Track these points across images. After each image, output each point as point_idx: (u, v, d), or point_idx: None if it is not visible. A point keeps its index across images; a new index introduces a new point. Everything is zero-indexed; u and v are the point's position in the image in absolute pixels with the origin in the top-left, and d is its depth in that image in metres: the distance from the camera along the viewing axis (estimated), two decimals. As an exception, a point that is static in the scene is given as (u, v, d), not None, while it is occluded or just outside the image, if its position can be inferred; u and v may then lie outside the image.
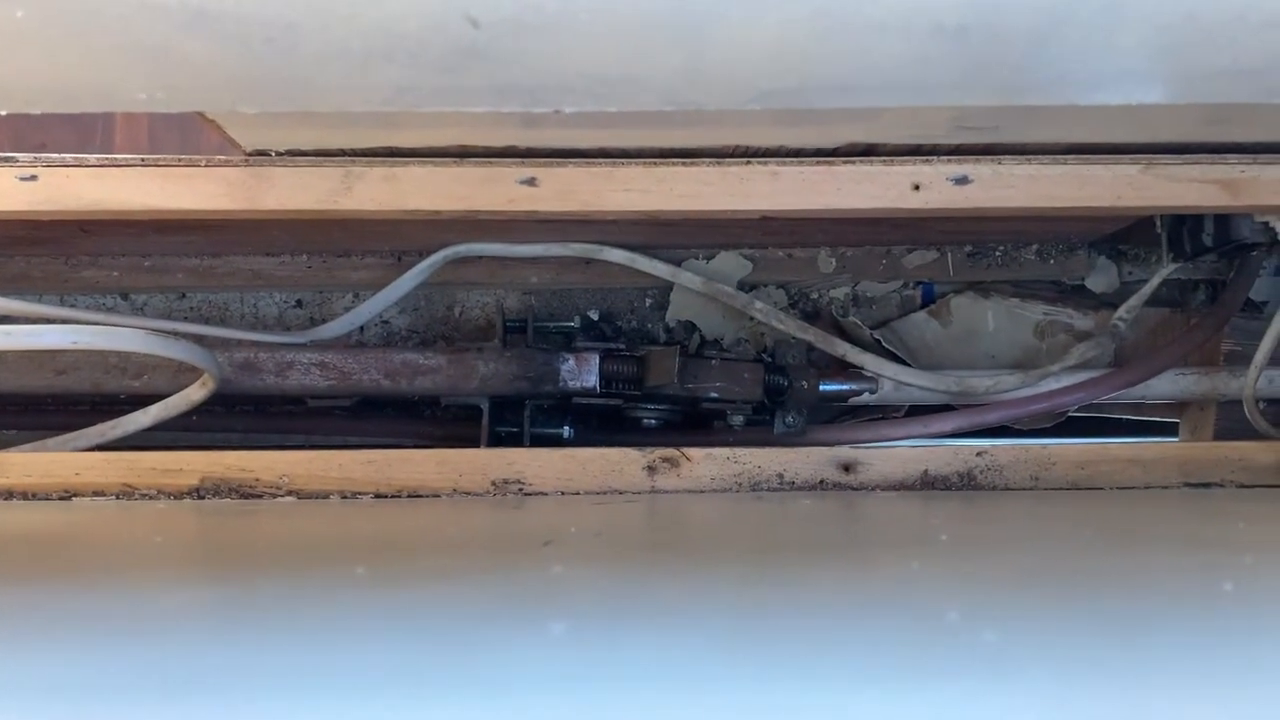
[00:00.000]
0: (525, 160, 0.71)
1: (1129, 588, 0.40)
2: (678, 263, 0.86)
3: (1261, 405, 0.83)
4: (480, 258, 0.84)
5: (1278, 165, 0.71)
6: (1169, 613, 0.36)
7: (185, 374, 0.78)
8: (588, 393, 0.80)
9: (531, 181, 0.71)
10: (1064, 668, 0.29)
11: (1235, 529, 0.56)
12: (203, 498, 0.71)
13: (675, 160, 0.72)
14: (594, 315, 0.88)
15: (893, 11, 0.38)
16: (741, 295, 0.85)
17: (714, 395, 0.79)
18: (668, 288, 0.88)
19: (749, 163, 0.71)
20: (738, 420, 0.81)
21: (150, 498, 0.70)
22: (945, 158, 0.72)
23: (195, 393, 0.75)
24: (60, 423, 0.79)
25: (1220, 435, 0.87)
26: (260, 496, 0.71)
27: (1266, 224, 0.77)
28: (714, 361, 0.80)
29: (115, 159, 0.70)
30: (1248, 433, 0.83)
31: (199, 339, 0.75)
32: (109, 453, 0.72)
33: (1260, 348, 0.81)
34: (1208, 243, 0.79)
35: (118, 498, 0.70)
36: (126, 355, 0.79)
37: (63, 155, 0.70)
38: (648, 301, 0.90)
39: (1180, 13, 0.38)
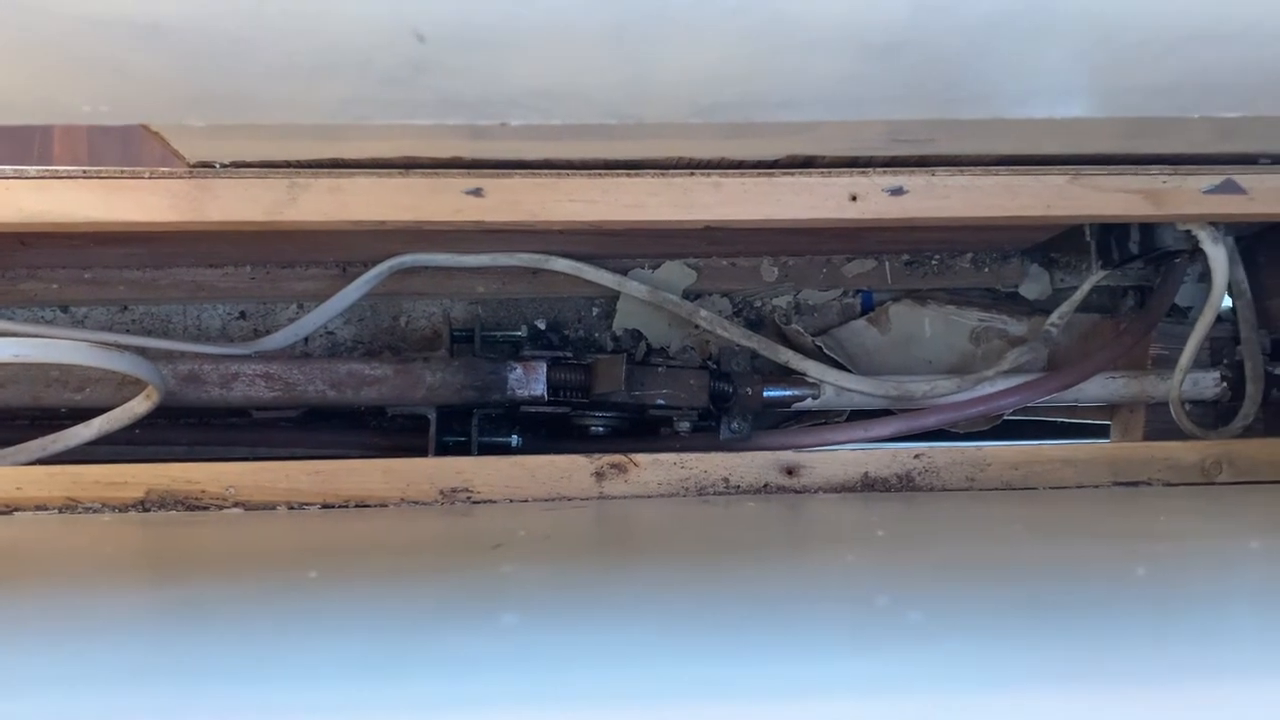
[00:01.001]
0: (471, 171, 0.72)
1: (1048, 573, 0.42)
2: (624, 272, 0.87)
3: (1187, 406, 0.86)
4: (426, 268, 0.85)
5: (1198, 176, 0.74)
6: (1083, 593, 0.38)
7: (128, 387, 0.77)
8: (535, 401, 0.80)
9: (478, 192, 0.72)
10: (979, 638, 0.32)
11: (1156, 522, 0.59)
12: (148, 510, 0.70)
13: (620, 171, 0.73)
14: (541, 324, 0.89)
15: (827, 31, 0.39)
16: (687, 304, 0.86)
17: (661, 402, 0.80)
18: (614, 297, 0.89)
19: (692, 174, 0.73)
20: (684, 426, 0.82)
21: (95, 511, 0.70)
22: (881, 169, 0.74)
23: (139, 405, 0.74)
24: (-1, 437, 0.78)
25: (1149, 436, 0.90)
26: (206, 508, 0.71)
27: (1189, 232, 0.80)
28: (660, 369, 0.81)
29: (56, 170, 0.70)
30: (1175, 433, 0.86)
31: (142, 351, 0.75)
32: (51, 467, 0.71)
33: (1185, 351, 0.84)
34: (1134, 250, 0.82)
35: (61, 511, 0.70)
36: (68, 368, 0.78)
37: (1, 167, 0.70)
38: (594, 310, 0.91)
39: (1097, 35, 0.40)
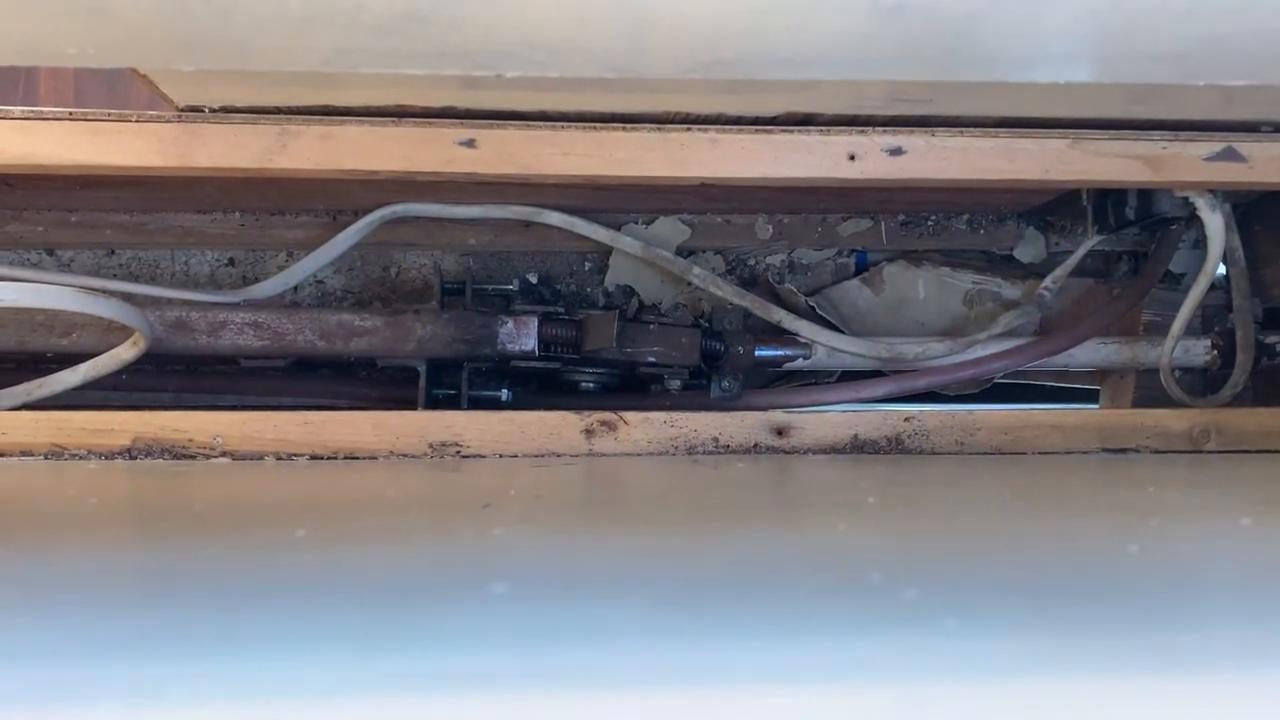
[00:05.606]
0: (464, 121, 0.71)
1: (1043, 550, 0.42)
2: (617, 227, 0.86)
3: (1177, 374, 0.86)
4: (418, 218, 0.84)
5: (1197, 143, 0.74)
6: (1078, 573, 0.38)
7: (115, 332, 0.76)
8: (526, 356, 0.80)
9: (471, 143, 0.71)
10: (975, 623, 0.31)
11: (1145, 493, 0.59)
12: (135, 458, 0.70)
13: (616, 125, 0.72)
14: (533, 278, 0.88)
15: (832, -11, 0.38)
16: (680, 260, 0.85)
17: (652, 360, 0.80)
18: (607, 252, 0.88)
19: (689, 129, 0.72)
20: (675, 384, 0.82)
21: (80, 458, 0.70)
22: (881, 129, 0.73)
23: (125, 352, 0.74)
24: (-16, 381, 0.78)
25: (1138, 403, 0.90)
26: (194, 457, 0.71)
27: (1186, 199, 0.79)
28: (652, 326, 0.81)
29: (41, 112, 0.68)
30: (1164, 400, 0.86)
31: (129, 297, 0.74)
32: (37, 412, 0.71)
33: (1177, 318, 0.84)
34: (1131, 216, 0.82)
35: (46, 458, 0.69)
36: (54, 313, 0.77)
37: (-15, 107, 0.68)
38: (587, 265, 0.90)
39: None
